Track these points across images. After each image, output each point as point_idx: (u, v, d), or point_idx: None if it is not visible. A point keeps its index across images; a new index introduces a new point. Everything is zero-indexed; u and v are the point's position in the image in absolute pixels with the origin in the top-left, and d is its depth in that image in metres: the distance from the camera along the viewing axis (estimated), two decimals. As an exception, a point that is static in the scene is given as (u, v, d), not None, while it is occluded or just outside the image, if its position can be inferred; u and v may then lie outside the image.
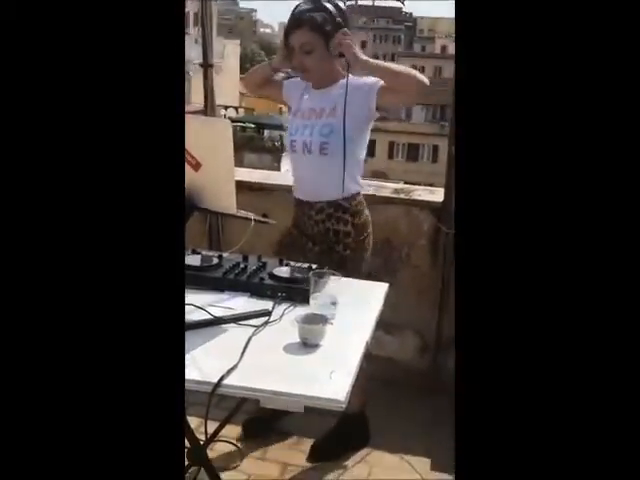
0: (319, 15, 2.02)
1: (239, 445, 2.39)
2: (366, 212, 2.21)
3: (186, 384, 1.34)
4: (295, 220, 2.26)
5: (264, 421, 2.50)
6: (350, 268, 2.07)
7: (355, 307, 1.74)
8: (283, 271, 1.85)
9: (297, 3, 2.10)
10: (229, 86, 24.66)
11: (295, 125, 2.19)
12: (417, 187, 3.08)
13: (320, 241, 2.17)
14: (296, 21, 2.05)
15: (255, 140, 20.42)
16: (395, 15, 54.22)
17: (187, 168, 1.51)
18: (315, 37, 2.03)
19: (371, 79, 2.05)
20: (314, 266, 1.88)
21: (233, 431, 2.44)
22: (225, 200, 1.58)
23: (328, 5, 2.04)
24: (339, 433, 2.44)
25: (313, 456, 2.40)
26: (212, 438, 1.96)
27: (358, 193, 2.18)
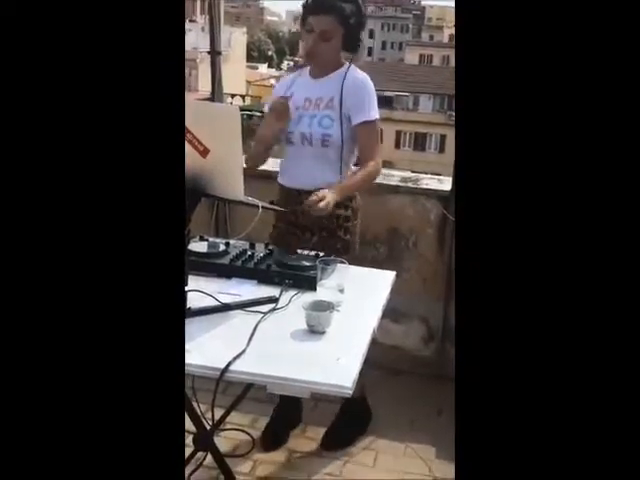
0: (348, 6, 2.00)
1: (247, 432, 2.40)
2: (358, 196, 2.22)
3: (193, 370, 1.36)
4: (284, 213, 2.12)
5: (280, 429, 2.47)
6: (352, 252, 2.12)
7: (362, 294, 1.74)
8: (290, 258, 1.85)
9: None
10: (236, 74, 24.60)
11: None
12: (425, 176, 3.08)
13: (319, 229, 2.13)
14: (326, 5, 1.99)
15: (261, 128, 20.28)
16: (403, 3, 53.91)
17: (195, 154, 1.51)
18: (338, 27, 2.01)
19: (365, 80, 2.09)
20: (321, 254, 1.89)
21: (241, 418, 2.45)
22: (233, 187, 1.57)
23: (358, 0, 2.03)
24: (346, 419, 2.46)
25: (325, 445, 2.42)
26: (219, 424, 1.97)
27: None
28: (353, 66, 2.10)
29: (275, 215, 2.20)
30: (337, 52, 2.09)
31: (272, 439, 2.42)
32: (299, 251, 1.93)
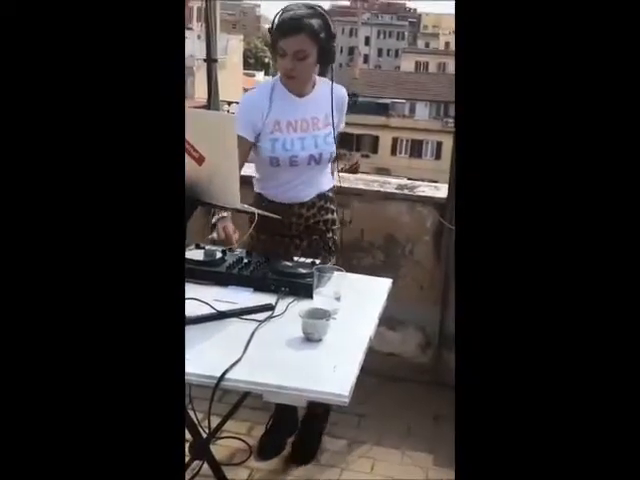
0: (316, 22, 1.99)
1: (243, 440, 2.39)
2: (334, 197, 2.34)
3: (190, 378, 1.35)
4: (268, 226, 2.05)
5: (277, 437, 2.45)
6: (339, 249, 2.29)
7: (358, 302, 1.74)
8: (287, 266, 1.85)
9: (287, 5, 2.02)
10: (232, 82, 24.62)
11: (289, 139, 2.08)
12: (421, 183, 3.08)
13: (308, 235, 2.19)
14: (294, 26, 1.97)
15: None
16: (399, 11, 54.10)
17: (191, 162, 1.51)
18: (311, 44, 1.99)
19: (342, 92, 2.19)
20: (317, 261, 1.89)
21: (237, 426, 2.44)
22: (229, 194, 1.57)
23: (323, 13, 2.01)
24: (308, 430, 2.46)
25: (297, 459, 2.38)
26: (215, 432, 1.97)
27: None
28: (329, 80, 2.14)
29: (257, 225, 1.95)
30: (314, 68, 2.09)
31: (269, 447, 2.41)
32: (295, 259, 1.93)
